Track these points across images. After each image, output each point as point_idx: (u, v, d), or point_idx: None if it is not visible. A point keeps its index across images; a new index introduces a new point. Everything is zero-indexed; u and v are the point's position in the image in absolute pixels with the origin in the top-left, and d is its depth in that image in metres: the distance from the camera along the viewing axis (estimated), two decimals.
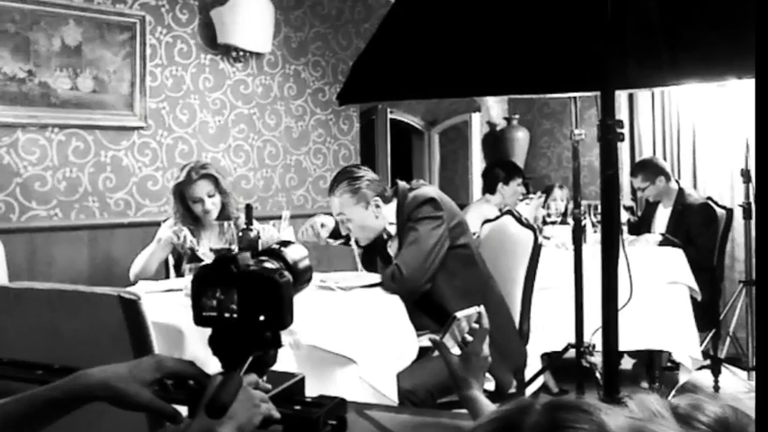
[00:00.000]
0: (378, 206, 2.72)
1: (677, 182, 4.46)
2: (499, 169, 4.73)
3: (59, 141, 3.46)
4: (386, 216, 2.76)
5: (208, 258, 2.91)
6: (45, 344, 1.52)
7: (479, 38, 1.32)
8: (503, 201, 4.61)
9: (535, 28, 1.25)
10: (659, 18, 1.17)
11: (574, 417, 0.65)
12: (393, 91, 1.53)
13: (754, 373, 4.28)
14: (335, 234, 2.93)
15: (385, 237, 2.83)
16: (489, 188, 4.70)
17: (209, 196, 3.05)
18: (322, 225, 2.89)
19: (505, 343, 2.70)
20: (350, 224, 2.74)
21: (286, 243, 1.11)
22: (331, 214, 2.89)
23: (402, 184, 2.83)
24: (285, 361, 1.99)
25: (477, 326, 1.42)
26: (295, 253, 1.10)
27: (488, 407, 1.31)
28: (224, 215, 3.04)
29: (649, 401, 0.66)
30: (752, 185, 4.33)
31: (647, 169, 4.40)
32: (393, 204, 2.77)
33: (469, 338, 1.42)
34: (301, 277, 1.10)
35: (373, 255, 2.96)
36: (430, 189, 2.77)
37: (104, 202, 3.62)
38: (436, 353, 1.42)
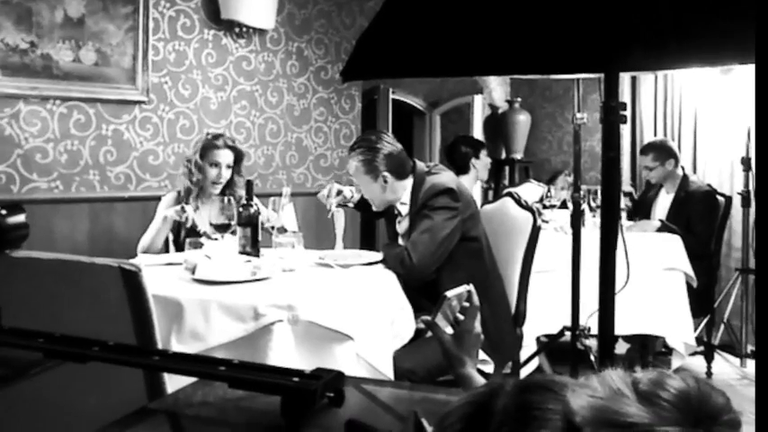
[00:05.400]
0: (386, 181, 2.74)
1: (683, 168, 4.45)
2: (465, 146, 4.64)
3: (61, 114, 3.45)
4: (398, 190, 2.78)
5: (208, 233, 2.92)
6: (46, 312, 1.54)
7: (484, 16, 1.32)
8: (477, 175, 4.60)
9: (541, 8, 1.25)
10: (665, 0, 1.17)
11: (540, 397, 0.66)
12: (397, 68, 1.53)
13: (747, 360, 4.31)
14: (361, 205, 3.04)
15: (396, 212, 2.86)
16: (462, 168, 4.59)
17: (227, 167, 3.12)
18: (338, 192, 2.94)
19: (500, 336, 2.73)
20: (360, 188, 2.82)
21: (12, 207, 1.25)
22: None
23: (420, 165, 2.84)
24: (283, 336, 2.01)
25: (467, 304, 1.44)
26: (11, 217, 1.23)
27: (482, 384, 1.32)
28: (228, 192, 3.08)
29: (611, 378, 0.66)
30: (752, 174, 4.34)
31: (658, 150, 4.37)
32: (408, 182, 2.78)
33: (461, 317, 1.43)
34: (11, 238, 1.25)
35: (373, 215, 3.03)
36: (448, 178, 2.77)
37: (105, 176, 3.62)
38: (430, 333, 1.44)
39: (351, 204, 3.07)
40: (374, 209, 2.90)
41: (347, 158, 2.87)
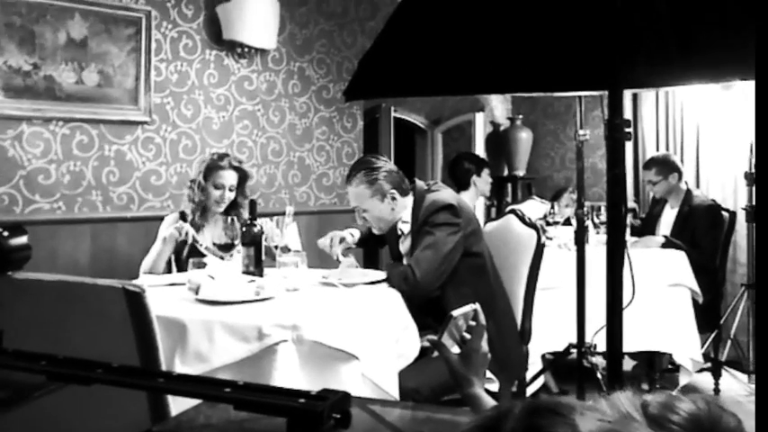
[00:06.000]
0: (394, 198, 2.73)
1: (686, 183, 4.44)
2: (467, 163, 4.70)
3: (64, 135, 3.46)
4: (401, 209, 2.78)
5: (210, 252, 2.91)
6: (49, 334, 1.53)
7: (486, 35, 1.32)
8: (477, 192, 4.63)
9: (544, 26, 1.26)
10: (669, 17, 1.17)
11: (549, 421, 0.64)
12: (399, 87, 1.53)
13: (754, 377, 4.27)
14: (362, 241, 3.05)
15: (399, 232, 2.85)
16: (463, 184, 4.63)
17: (230, 190, 3.11)
18: (341, 240, 2.92)
19: (507, 352, 2.70)
20: (366, 215, 2.77)
21: (15, 229, 1.23)
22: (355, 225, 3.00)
23: (420, 183, 2.84)
24: (287, 356, 1.99)
25: (474, 323, 1.43)
26: (13, 238, 1.23)
27: (490, 404, 1.31)
28: (231, 212, 3.08)
29: (620, 401, 0.65)
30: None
31: (662, 164, 4.38)
32: (409, 199, 2.78)
33: (468, 336, 1.42)
34: (13, 259, 1.25)
35: (375, 246, 3.02)
36: (448, 194, 2.77)
37: (107, 196, 3.62)
38: (436, 353, 1.42)
39: (353, 245, 3.08)
40: (377, 232, 2.88)
41: (347, 189, 2.83)
